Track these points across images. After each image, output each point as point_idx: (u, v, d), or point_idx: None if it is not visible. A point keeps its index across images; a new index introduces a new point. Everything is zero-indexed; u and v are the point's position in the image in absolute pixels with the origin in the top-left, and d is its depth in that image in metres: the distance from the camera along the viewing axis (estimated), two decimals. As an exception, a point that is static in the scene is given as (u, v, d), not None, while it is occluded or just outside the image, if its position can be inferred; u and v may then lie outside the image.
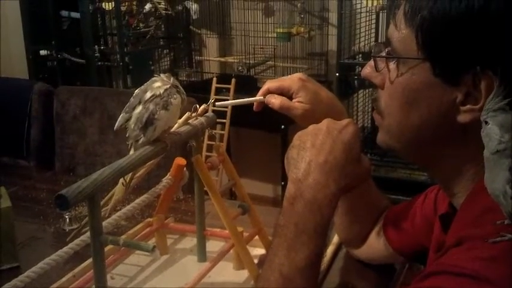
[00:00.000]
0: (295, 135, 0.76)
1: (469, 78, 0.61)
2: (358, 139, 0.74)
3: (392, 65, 0.69)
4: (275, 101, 0.90)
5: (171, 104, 0.87)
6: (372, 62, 0.73)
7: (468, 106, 0.62)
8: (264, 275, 0.71)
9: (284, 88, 0.90)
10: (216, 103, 0.97)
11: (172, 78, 0.92)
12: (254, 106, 0.93)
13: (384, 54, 0.71)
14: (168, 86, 0.89)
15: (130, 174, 0.95)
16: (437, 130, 0.66)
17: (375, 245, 0.98)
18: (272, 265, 0.70)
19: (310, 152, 0.72)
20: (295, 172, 0.73)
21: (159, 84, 0.89)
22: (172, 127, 0.95)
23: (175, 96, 0.88)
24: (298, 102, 0.89)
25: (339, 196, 0.72)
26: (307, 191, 0.71)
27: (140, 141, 0.90)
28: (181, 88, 0.93)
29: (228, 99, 2.63)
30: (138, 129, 0.88)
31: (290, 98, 0.90)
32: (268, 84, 0.92)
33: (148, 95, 0.89)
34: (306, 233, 0.69)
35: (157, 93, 0.88)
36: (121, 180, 0.97)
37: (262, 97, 0.91)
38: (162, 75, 0.92)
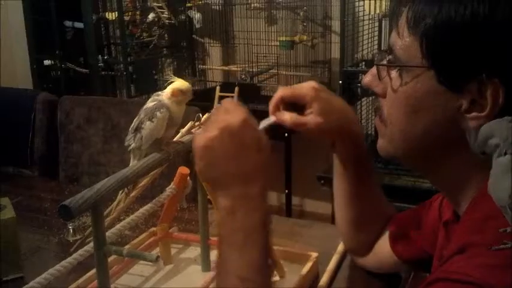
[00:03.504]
0: (195, 158, 0.73)
1: (475, 85, 0.61)
2: (247, 129, 0.71)
3: (394, 73, 0.68)
4: (287, 118, 0.86)
5: (155, 117, 0.93)
6: (372, 71, 0.73)
7: (474, 114, 0.62)
8: (222, 283, 0.70)
9: (298, 97, 0.87)
10: None
11: (166, 92, 0.95)
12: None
13: (385, 62, 0.70)
14: (157, 101, 0.95)
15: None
16: (441, 138, 0.66)
17: (380, 254, 0.97)
18: (227, 272, 0.69)
19: (217, 164, 0.71)
20: (219, 187, 0.72)
21: (154, 97, 0.96)
22: (165, 137, 0.96)
23: (162, 110, 0.94)
24: (311, 115, 0.86)
25: (266, 186, 0.72)
26: (239, 199, 0.70)
27: (131, 147, 0.96)
28: (169, 101, 0.94)
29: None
30: (131, 133, 0.97)
31: (303, 107, 0.87)
32: (282, 93, 0.88)
33: (145, 106, 0.96)
34: (253, 232, 0.69)
35: (149, 105, 0.95)
36: (124, 190, 0.98)
37: (274, 118, 0.87)
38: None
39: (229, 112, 0.72)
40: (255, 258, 0.69)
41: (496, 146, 0.55)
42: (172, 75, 0.96)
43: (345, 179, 0.94)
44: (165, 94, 0.95)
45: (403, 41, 0.66)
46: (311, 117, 0.86)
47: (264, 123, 0.86)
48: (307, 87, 0.87)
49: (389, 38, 0.70)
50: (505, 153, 0.54)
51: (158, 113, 0.93)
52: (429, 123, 0.66)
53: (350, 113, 0.91)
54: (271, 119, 0.88)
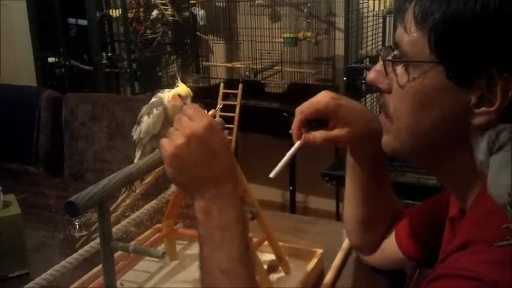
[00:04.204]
0: (165, 165, 0.75)
1: (484, 80, 0.60)
2: (212, 133, 0.73)
3: (400, 68, 0.68)
4: (317, 137, 0.86)
5: (152, 113, 0.99)
6: (376, 67, 0.72)
7: (483, 109, 0.62)
8: (208, 282, 0.72)
9: (320, 113, 0.86)
10: (271, 176, 0.86)
11: (168, 95, 0.99)
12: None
13: (390, 58, 0.70)
14: (158, 98, 1.00)
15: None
16: (448, 134, 0.65)
17: (387, 251, 0.97)
18: (211, 270, 0.71)
19: (187, 170, 0.73)
20: (192, 191, 0.74)
21: (157, 94, 1.02)
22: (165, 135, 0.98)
23: (158, 107, 0.99)
24: (337, 127, 0.86)
25: (236, 184, 0.75)
26: (212, 200, 0.73)
27: (134, 138, 1.03)
28: (169, 103, 0.99)
29: (235, 105, 2.64)
30: (135, 126, 1.02)
31: (326, 121, 0.87)
32: (302, 114, 0.87)
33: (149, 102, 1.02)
34: (230, 227, 0.72)
35: (151, 101, 1.01)
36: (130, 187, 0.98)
37: (300, 141, 0.87)
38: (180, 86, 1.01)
39: (193, 118, 0.74)
40: (235, 250, 0.71)
41: (490, 143, 0.56)
42: (178, 79, 0.99)
43: (361, 177, 0.93)
44: (166, 96, 1.00)
45: (410, 36, 0.65)
46: (339, 130, 0.87)
47: (291, 153, 0.86)
48: (325, 99, 0.87)
49: (395, 33, 0.69)
50: (498, 150, 0.55)
51: (155, 110, 0.98)
52: (437, 119, 0.65)
53: (368, 111, 0.91)
54: (297, 143, 0.87)
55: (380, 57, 0.72)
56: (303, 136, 0.87)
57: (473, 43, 0.60)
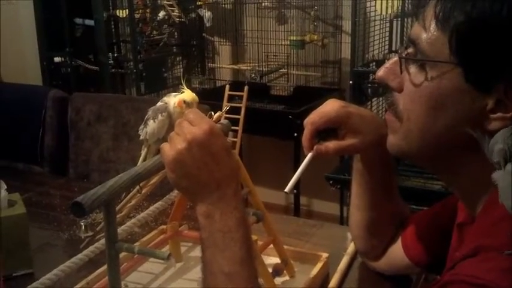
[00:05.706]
0: (167, 170, 0.75)
1: (502, 85, 0.59)
2: (213, 137, 0.73)
3: (413, 67, 0.66)
4: (329, 148, 0.86)
5: (157, 118, 1.01)
6: (387, 64, 0.71)
7: (499, 114, 0.61)
8: (210, 285, 0.71)
9: (332, 123, 0.85)
10: (287, 190, 0.86)
11: (173, 100, 1.00)
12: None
13: (403, 55, 0.68)
14: (164, 103, 1.01)
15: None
16: (460, 137, 0.64)
17: (393, 256, 0.97)
18: (213, 272, 0.71)
19: (189, 175, 0.73)
20: (193, 196, 0.74)
21: (164, 98, 1.03)
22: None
23: (163, 113, 1.01)
24: (349, 135, 0.85)
25: (238, 187, 0.75)
26: (214, 203, 0.72)
27: (141, 138, 1.05)
28: (174, 108, 1.00)
29: (240, 107, 2.64)
30: (142, 125, 1.04)
31: (334, 130, 0.86)
32: (313, 125, 0.86)
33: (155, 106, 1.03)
34: (232, 230, 0.72)
35: (157, 105, 1.03)
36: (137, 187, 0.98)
37: (312, 153, 0.86)
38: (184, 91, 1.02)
39: (194, 123, 0.74)
40: (237, 252, 0.71)
41: (501, 151, 0.54)
42: (184, 85, 0.98)
43: (369, 183, 0.92)
44: (172, 101, 1.01)
45: (430, 34, 0.63)
46: (351, 139, 0.86)
47: (304, 165, 0.85)
48: (335, 108, 0.86)
49: (411, 31, 0.67)
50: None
51: (160, 116, 1.00)
52: (450, 121, 0.64)
53: (377, 117, 0.90)
54: (310, 155, 0.86)
55: (398, 54, 0.70)
56: (314, 148, 0.86)
57: (496, 47, 0.59)
